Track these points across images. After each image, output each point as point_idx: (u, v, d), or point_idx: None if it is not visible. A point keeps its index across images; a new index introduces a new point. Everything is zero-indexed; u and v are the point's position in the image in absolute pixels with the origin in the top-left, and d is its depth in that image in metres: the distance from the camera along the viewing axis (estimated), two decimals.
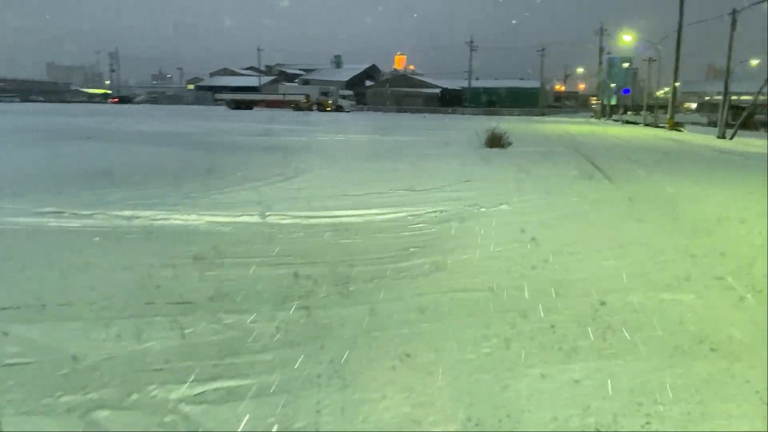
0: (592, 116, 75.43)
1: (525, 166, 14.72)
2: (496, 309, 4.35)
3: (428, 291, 4.75)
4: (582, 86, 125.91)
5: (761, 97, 32.16)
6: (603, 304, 4.46)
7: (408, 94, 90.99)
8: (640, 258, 5.94)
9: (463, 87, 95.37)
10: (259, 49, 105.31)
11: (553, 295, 4.67)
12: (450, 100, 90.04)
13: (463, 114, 74.84)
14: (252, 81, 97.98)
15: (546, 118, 66.84)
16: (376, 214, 8.04)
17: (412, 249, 6.11)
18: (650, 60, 56.97)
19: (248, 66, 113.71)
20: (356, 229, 7.09)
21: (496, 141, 20.47)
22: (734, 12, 31.00)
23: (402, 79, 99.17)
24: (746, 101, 37.24)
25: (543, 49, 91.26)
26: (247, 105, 70.55)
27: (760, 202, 9.91)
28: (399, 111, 77.80)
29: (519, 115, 73.76)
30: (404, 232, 6.98)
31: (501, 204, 9.00)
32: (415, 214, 8.03)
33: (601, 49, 71.93)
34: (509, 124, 43.05)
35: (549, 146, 22.58)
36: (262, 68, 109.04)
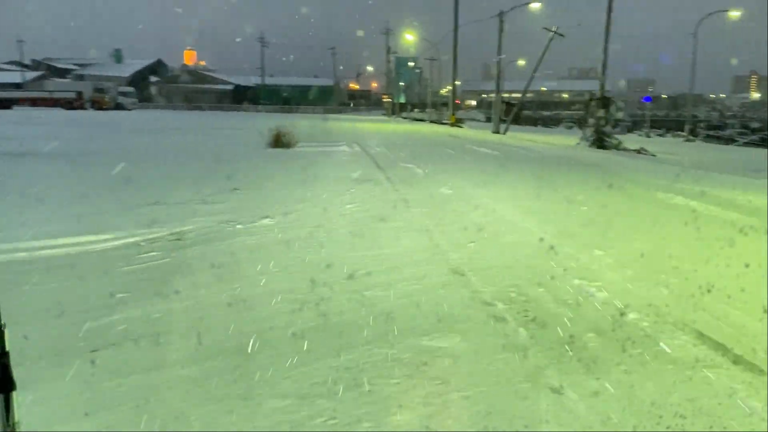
0: (383, 114, 77.96)
1: (306, 168, 13.70)
2: None
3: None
4: (375, 85, 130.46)
5: (528, 95, 34.90)
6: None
7: (198, 91, 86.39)
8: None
9: (258, 84, 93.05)
10: (19, 41, 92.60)
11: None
12: (244, 98, 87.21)
13: (258, 112, 72.78)
14: (14, 77, 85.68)
15: (341, 116, 67.47)
16: (97, 241, 6.30)
17: (120, 296, 4.57)
18: (431, 59, 60.05)
19: (10, 60, 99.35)
20: (59, 267, 5.33)
21: (280, 141, 19.27)
22: (501, 14, 33.32)
23: (192, 75, 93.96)
24: (516, 98, 40.54)
25: (334, 48, 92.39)
26: (5, 104, 61.16)
27: (523, 198, 9.91)
28: (190, 109, 73.32)
29: (315, 113, 73.65)
30: (123, 267, 5.39)
31: (263, 218, 7.75)
32: (150, 238, 6.44)
33: (388, 49, 74.53)
34: (303, 122, 42.27)
35: (336, 145, 21.95)
36: (27, 62, 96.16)
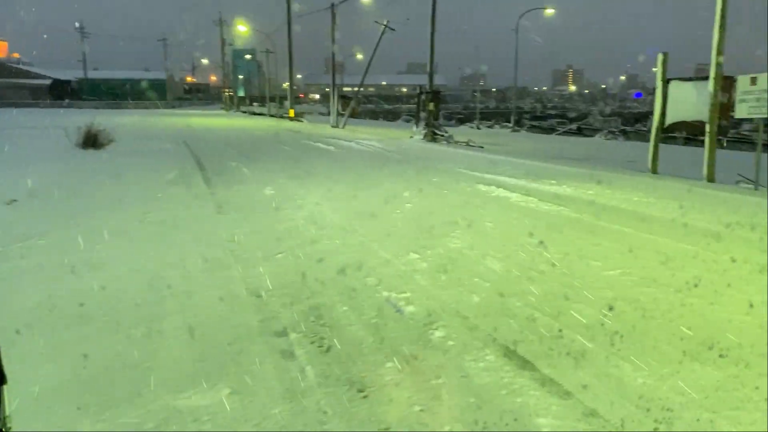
0: (222, 108, 74.85)
1: (118, 170, 12.20)
2: None
3: None
4: (214, 78, 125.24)
5: (370, 89, 34.87)
6: None
7: (10, 86, 77.03)
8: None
9: (80, 78, 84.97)
10: None
11: None
12: (65, 93, 79.17)
13: (81, 108, 66.40)
14: None
15: (176, 111, 63.52)
16: None
17: None
18: (268, 51, 58.50)
19: None
20: None
21: (91, 140, 17.23)
22: (333, 6, 32.94)
23: (2, 68, 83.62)
24: (353, 92, 40.50)
25: (165, 39, 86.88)
26: None
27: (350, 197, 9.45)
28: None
29: (147, 108, 68.76)
30: None
31: (40, 238, 6.47)
32: None
33: (223, 41, 71.50)
34: (129, 118, 39.04)
35: (160, 143, 20.17)
36: None
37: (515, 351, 3.59)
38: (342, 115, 33.52)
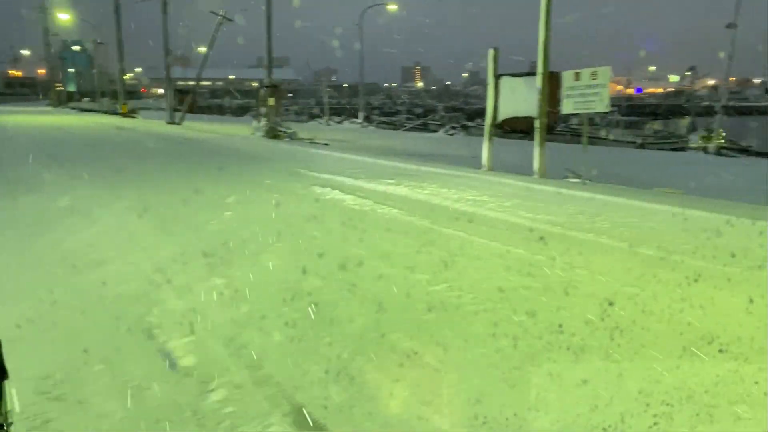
0: (49, 104, 67.73)
1: None
2: None
3: None
4: (43, 71, 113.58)
5: (218, 83, 32.83)
6: None
7: None
8: None
9: None
10: None
11: None
12: None
13: None
14: None
15: None
16: None
17: None
18: (98, 43, 53.70)
19: None
20: None
21: None
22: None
23: None
24: (203, 86, 38.13)
25: None
26: None
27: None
28: None
29: None
30: None
31: None
32: None
33: (46, 30, 64.43)
34: None
35: None
36: None
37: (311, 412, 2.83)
38: (177, 110, 31.25)
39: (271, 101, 20.47)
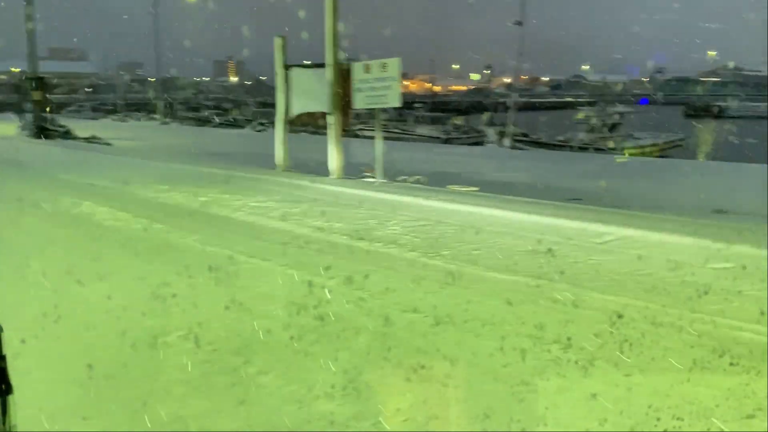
0: None
1: None
2: None
3: None
4: None
5: None
6: None
7: None
8: None
9: None
10: None
11: None
12: None
13: None
14: None
15: None
16: None
17: None
18: None
19: None
20: None
21: None
22: None
23: None
24: None
25: None
26: None
27: None
28: None
29: None
30: None
31: None
32: None
33: None
34: None
35: None
36: None
37: None
38: None
39: (37, 95, 17.49)
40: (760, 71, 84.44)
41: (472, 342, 3.54)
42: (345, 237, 6.17)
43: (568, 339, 3.50)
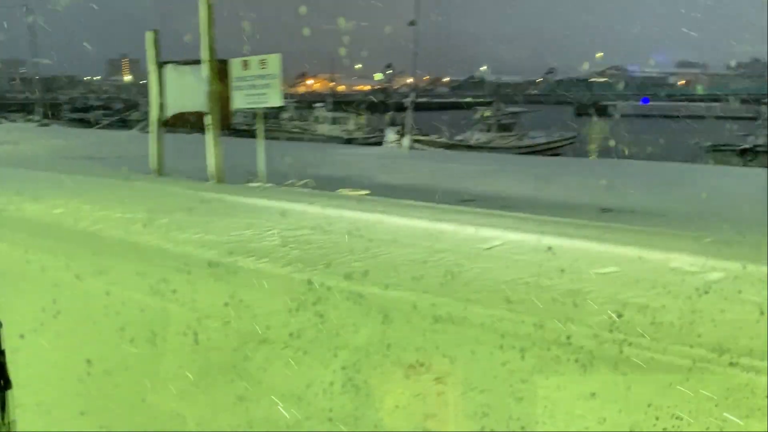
0: None
1: None
2: None
3: None
4: None
5: None
6: None
7: None
8: None
9: None
10: None
11: None
12: None
13: None
14: None
15: None
16: None
17: None
18: None
19: None
20: None
21: None
22: None
23: None
24: None
25: None
26: None
27: None
28: None
29: None
30: None
31: None
32: None
33: None
34: None
35: None
36: None
37: None
38: None
39: None
40: (645, 72, 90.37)
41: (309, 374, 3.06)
42: (213, 252, 5.53)
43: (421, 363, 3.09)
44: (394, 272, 4.85)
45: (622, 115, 54.64)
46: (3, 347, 1.32)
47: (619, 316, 3.81)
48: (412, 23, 25.65)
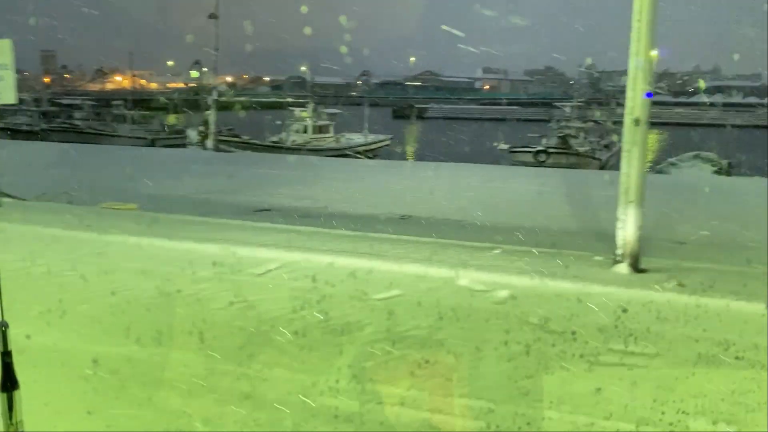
0: None
1: None
2: None
3: None
4: None
5: None
6: None
7: None
8: None
9: None
10: None
11: None
12: None
13: None
14: None
15: None
16: None
17: None
18: None
19: None
20: None
21: None
22: None
23: None
24: None
25: None
26: None
27: None
28: None
29: None
30: None
31: None
32: None
33: None
34: None
35: None
36: None
37: None
38: None
39: None
40: (457, 77, 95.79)
41: None
42: None
43: None
44: (122, 316, 3.83)
45: (436, 118, 57.12)
46: (9, 348, 1.33)
47: None
48: (212, 16, 23.70)
